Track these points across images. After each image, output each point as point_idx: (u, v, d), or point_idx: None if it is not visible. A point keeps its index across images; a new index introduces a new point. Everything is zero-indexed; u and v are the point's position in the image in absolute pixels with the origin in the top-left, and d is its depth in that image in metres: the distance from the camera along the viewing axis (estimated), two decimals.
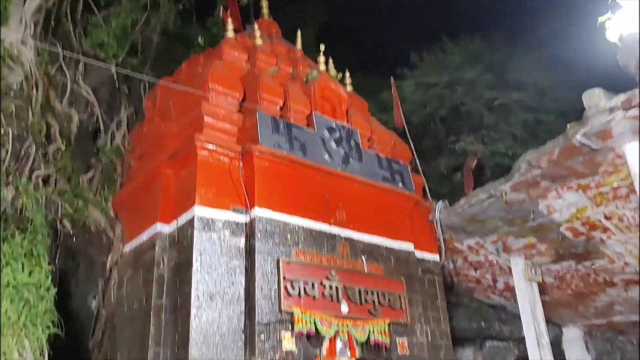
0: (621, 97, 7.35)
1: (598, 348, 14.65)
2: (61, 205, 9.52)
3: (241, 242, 8.44)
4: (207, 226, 8.22)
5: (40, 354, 7.28)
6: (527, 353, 10.74)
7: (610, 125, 7.59)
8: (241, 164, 8.83)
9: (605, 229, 9.85)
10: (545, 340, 10.68)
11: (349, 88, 12.15)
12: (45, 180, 9.68)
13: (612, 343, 14.87)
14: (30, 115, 9.32)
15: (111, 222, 10.13)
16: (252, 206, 8.62)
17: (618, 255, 10.55)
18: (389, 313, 9.28)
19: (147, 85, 12.48)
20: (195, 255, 7.91)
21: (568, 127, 8.13)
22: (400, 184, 10.78)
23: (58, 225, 9.49)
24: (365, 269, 9.45)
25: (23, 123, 9.12)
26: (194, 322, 7.53)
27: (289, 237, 8.75)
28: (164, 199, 9.00)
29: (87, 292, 10.18)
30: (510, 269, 11.37)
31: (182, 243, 8.35)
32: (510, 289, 12.07)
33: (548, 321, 11.62)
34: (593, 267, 11.12)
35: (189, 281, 7.77)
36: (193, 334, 7.46)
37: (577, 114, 7.99)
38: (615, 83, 7.69)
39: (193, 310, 7.59)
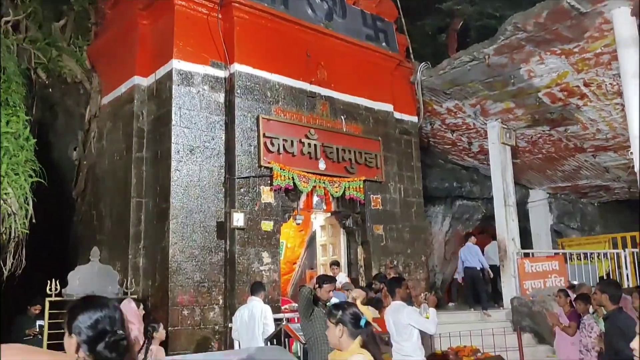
0: None
1: (560, 209, 15.52)
2: (34, 54, 9.22)
3: (221, 97, 8.40)
4: (186, 80, 8.11)
5: (24, 201, 7.47)
6: (494, 212, 11.36)
7: None
8: (220, 16, 8.50)
9: (582, 96, 9.97)
10: (512, 200, 11.25)
11: None
12: (15, 27, 9.24)
13: (574, 205, 15.73)
14: None
15: (87, 73, 9.89)
16: (231, 61, 8.46)
17: (592, 122, 10.79)
18: (364, 171, 9.59)
19: None
20: (174, 109, 7.90)
21: None
22: (383, 44, 10.57)
23: (32, 75, 9.25)
24: (344, 128, 9.59)
25: None
26: (174, 175, 7.72)
27: (268, 94, 8.72)
28: (141, 51, 8.75)
29: (67, 143, 10.20)
30: (486, 132, 11.63)
31: (160, 96, 8.28)
32: (484, 152, 12.44)
33: (516, 183, 12.19)
34: (566, 132, 11.41)
35: (169, 135, 7.84)
36: (174, 185, 7.69)
37: None
38: None
39: (173, 164, 7.74)
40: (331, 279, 5.92)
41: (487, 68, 9.65)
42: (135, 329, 5.99)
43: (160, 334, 5.57)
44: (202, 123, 8.13)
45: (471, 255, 10.97)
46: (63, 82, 9.76)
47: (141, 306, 6.50)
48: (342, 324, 2.90)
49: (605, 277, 10.48)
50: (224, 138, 8.29)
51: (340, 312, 2.94)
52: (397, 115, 10.77)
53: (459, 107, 11.32)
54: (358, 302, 5.04)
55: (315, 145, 8.99)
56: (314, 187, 8.86)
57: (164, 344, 5.89)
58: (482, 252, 11.42)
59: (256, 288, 6.85)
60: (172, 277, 7.44)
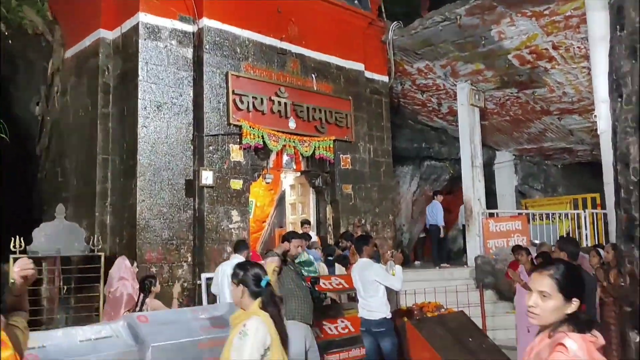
0: None
1: (525, 170, 15.83)
2: None
3: (189, 53, 8.22)
4: (153, 34, 7.90)
5: None
6: (461, 172, 11.55)
7: None
8: None
9: (551, 59, 10.07)
10: (479, 161, 11.44)
11: None
12: None
13: (539, 166, 16.06)
14: None
15: (49, 25, 9.51)
16: (200, 16, 8.25)
17: (558, 84, 10.93)
18: (335, 131, 9.59)
19: None
20: (140, 64, 7.71)
21: None
22: (355, 1, 10.43)
23: None
24: (315, 87, 9.52)
25: None
26: (141, 132, 7.60)
27: (238, 50, 8.57)
28: (106, 3, 8.45)
29: (30, 97, 9.89)
30: (455, 93, 11.70)
31: (126, 51, 8.06)
32: (453, 113, 12.53)
33: (484, 144, 12.36)
34: (534, 95, 11.55)
35: (135, 90, 7.67)
36: (141, 142, 7.58)
37: None
38: None
39: (140, 120, 7.61)
40: (301, 235, 5.98)
41: (459, 29, 9.64)
42: (129, 286, 6.04)
43: (157, 287, 5.65)
44: (169, 79, 7.97)
45: (433, 213, 11.40)
46: (24, 33, 9.39)
47: (135, 263, 6.51)
48: (243, 284, 2.89)
49: (565, 236, 10.80)
50: (192, 94, 8.15)
51: (242, 273, 2.93)
52: (368, 74, 10.73)
53: (430, 68, 11.32)
54: (271, 268, 4.94)
55: (285, 103, 8.92)
56: (284, 146, 8.84)
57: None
58: (457, 212, 11.75)
59: (239, 246, 6.91)
60: (140, 235, 7.42)
